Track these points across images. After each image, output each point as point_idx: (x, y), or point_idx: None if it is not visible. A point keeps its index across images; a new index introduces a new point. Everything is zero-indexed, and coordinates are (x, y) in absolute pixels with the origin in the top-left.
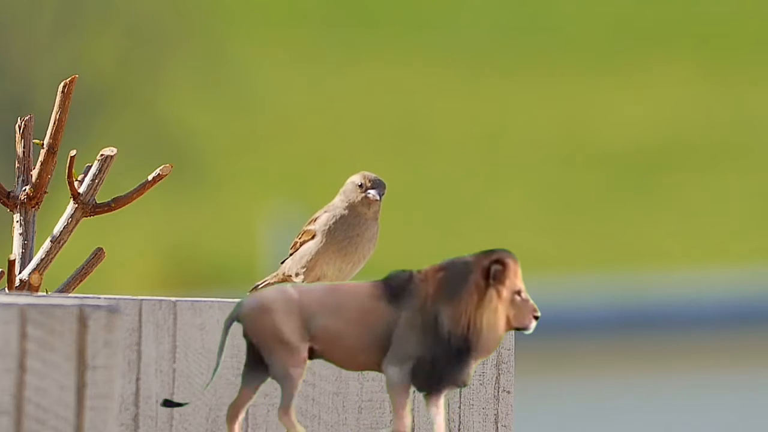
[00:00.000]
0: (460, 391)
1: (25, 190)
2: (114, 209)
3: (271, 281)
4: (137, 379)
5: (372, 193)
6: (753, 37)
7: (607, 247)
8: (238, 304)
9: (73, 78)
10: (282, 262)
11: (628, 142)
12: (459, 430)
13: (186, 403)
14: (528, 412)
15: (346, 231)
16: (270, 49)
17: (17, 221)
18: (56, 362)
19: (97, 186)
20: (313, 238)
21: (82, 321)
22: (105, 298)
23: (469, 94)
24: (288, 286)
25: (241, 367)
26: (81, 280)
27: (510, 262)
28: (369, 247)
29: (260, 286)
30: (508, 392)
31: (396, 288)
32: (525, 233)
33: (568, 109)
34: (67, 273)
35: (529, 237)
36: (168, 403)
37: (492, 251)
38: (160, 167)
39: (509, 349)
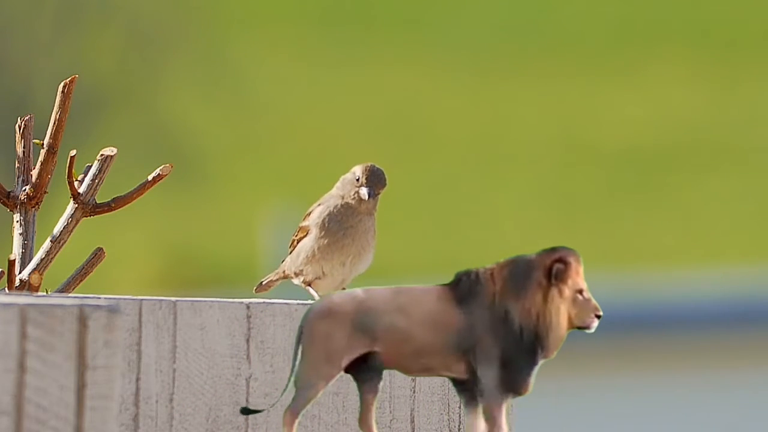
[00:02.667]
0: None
1: (25, 190)
2: (114, 209)
3: (274, 278)
4: (137, 379)
5: (363, 192)
6: (753, 37)
7: (607, 247)
8: (309, 309)
9: (73, 78)
10: (283, 261)
11: (628, 142)
12: (459, 430)
13: (263, 410)
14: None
15: (341, 222)
16: (270, 49)
17: (17, 221)
18: (56, 362)
19: (97, 186)
20: (307, 234)
21: (82, 321)
22: (105, 298)
23: (468, 93)
24: (358, 290)
25: (241, 368)
26: (81, 280)
27: (572, 260)
28: (367, 239)
29: (264, 283)
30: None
31: (464, 289)
32: (525, 232)
33: (568, 109)
34: (67, 273)
35: (529, 236)
36: (246, 411)
37: (555, 249)
38: (160, 167)
39: None
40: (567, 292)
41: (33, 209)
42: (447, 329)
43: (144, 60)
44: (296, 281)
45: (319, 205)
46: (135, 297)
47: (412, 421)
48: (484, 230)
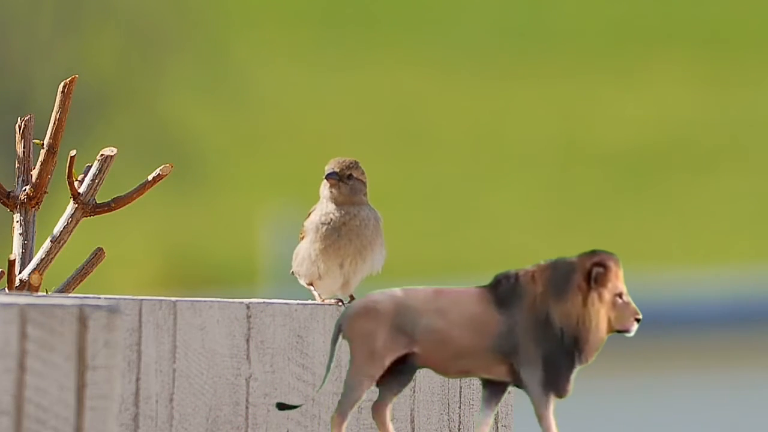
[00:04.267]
0: (460, 391)
1: (25, 190)
2: (114, 209)
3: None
4: (137, 379)
5: (326, 176)
6: (753, 38)
7: (607, 247)
8: (347, 307)
9: (73, 78)
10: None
11: (628, 142)
12: (459, 430)
13: (300, 405)
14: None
15: (333, 223)
16: (270, 49)
17: (17, 221)
18: (56, 362)
19: (97, 186)
20: (304, 237)
21: (82, 321)
22: (105, 298)
23: (469, 94)
24: (396, 289)
25: (240, 368)
26: (81, 280)
27: (611, 264)
28: (365, 235)
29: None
30: (508, 392)
31: (504, 292)
32: (525, 233)
33: (568, 109)
34: (67, 273)
35: (529, 237)
36: (282, 406)
37: (594, 253)
38: (160, 167)
39: None
40: (606, 295)
41: (33, 209)
42: (487, 331)
43: (144, 60)
44: (301, 281)
45: (314, 209)
46: (135, 297)
47: (412, 421)
48: (484, 230)
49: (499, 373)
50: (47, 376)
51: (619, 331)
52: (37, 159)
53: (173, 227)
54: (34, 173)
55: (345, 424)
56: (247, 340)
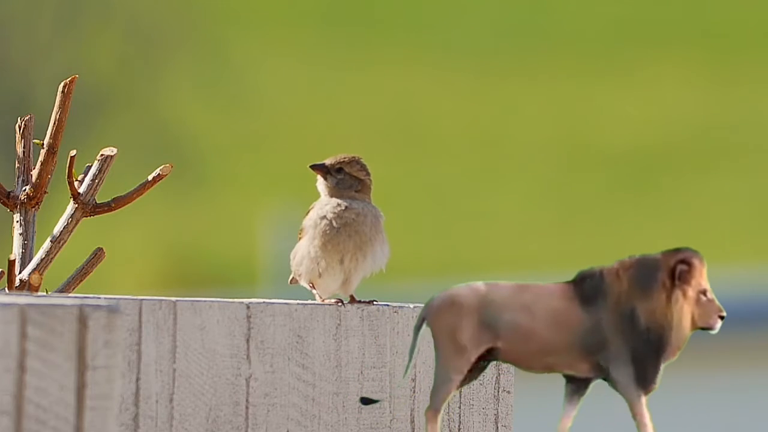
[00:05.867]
0: (460, 391)
1: (25, 190)
2: (114, 209)
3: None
4: (137, 379)
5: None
6: (753, 38)
7: (607, 247)
8: (428, 302)
9: (73, 78)
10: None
11: (628, 142)
12: (459, 429)
13: (379, 400)
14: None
15: (333, 221)
16: (270, 49)
17: (17, 221)
18: (56, 362)
19: (97, 186)
20: (304, 234)
21: (82, 321)
22: (105, 298)
23: (469, 94)
24: (479, 282)
25: (240, 368)
26: (81, 280)
27: (696, 261)
28: (364, 230)
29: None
30: (508, 392)
31: (589, 289)
32: (525, 233)
33: (569, 110)
34: (67, 273)
35: (529, 237)
36: (365, 401)
37: (678, 250)
38: (160, 167)
39: None
40: (690, 293)
41: (33, 209)
42: (570, 328)
43: (144, 60)
44: (302, 282)
45: (312, 207)
46: (135, 297)
47: (412, 421)
48: (484, 230)
49: (583, 369)
50: (47, 376)
51: (702, 329)
52: (37, 159)
53: (173, 227)
54: (34, 173)
55: (439, 418)
56: (247, 340)
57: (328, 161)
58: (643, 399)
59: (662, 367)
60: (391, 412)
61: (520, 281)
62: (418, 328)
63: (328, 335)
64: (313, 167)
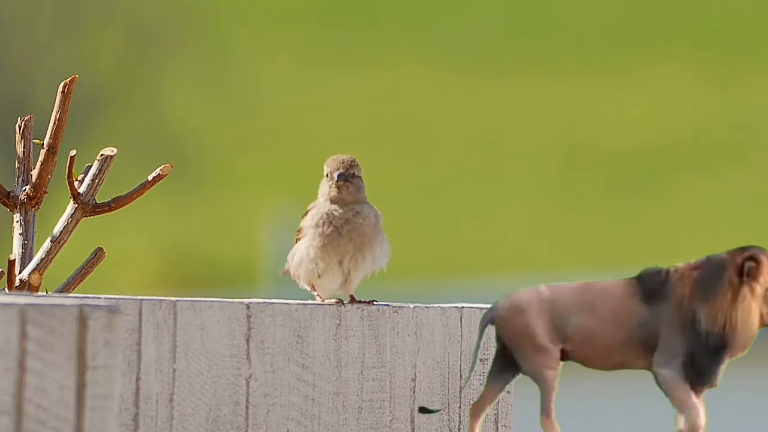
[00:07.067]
0: (460, 391)
1: (25, 190)
2: (114, 209)
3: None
4: (137, 379)
5: (335, 177)
6: (753, 38)
7: (607, 247)
8: (493, 306)
9: (73, 78)
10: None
11: (628, 142)
12: (459, 429)
13: (439, 410)
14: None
15: (332, 222)
16: (270, 49)
17: (17, 221)
18: (56, 362)
19: (97, 186)
20: (302, 235)
21: (82, 321)
22: (105, 298)
23: (469, 94)
24: (542, 285)
25: (241, 368)
26: (81, 280)
27: (763, 258)
28: (366, 232)
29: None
30: (508, 392)
31: (652, 287)
32: (525, 233)
33: (569, 110)
34: (67, 273)
35: (529, 237)
36: (423, 410)
37: (745, 248)
38: (160, 167)
39: None
40: (758, 289)
41: (33, 209)
42: (629, 323)
43: (144, 60)
44: (301, 284)
45: (311, 207)
46: (135, 297)
47: (412, 421)
48: (484, 230)
49: (644, 365)
50: (47, 376)
51: None
52: (37, 159)
53: (173, 227)
54: (34, 173)
55: (554, 416)
56: (247, 340)
57: (341, 169)
58: (691, 394)
59: (723, 365)
60: (391, 412)
61: (580, 281)
62: (482, 331)
63: (328, 335)
64: (339, 179)
